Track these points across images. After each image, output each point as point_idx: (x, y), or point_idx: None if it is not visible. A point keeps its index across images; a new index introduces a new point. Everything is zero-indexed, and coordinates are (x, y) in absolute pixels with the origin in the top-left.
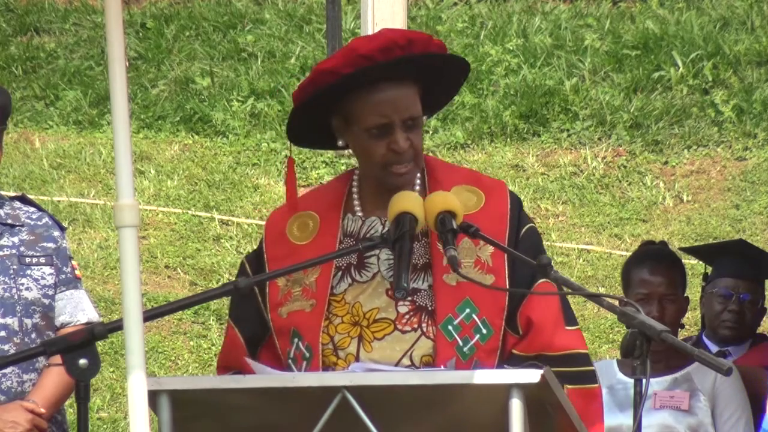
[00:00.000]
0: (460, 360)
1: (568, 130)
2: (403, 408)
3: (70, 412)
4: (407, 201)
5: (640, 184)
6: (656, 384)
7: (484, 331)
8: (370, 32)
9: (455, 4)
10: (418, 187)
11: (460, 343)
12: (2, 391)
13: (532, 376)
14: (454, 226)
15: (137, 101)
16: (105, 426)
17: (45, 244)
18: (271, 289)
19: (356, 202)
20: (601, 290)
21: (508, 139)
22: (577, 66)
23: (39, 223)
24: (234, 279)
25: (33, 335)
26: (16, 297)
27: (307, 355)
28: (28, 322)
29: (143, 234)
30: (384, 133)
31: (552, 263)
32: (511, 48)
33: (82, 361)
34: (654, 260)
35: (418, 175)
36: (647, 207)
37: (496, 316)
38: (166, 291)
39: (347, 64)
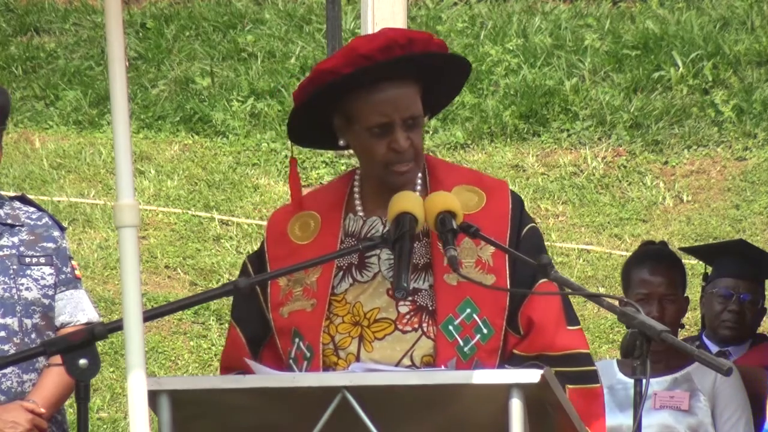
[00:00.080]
0: (461, 360)
1: (568, 130)
2: (403, 408)
3: (70, 412)
4: (407, 201)
5: (640, 184)
6: (656, 384)
7: (485, 331)
8: (370, 32)
9: (455, 4)
10: (419, 187)
11: (461, 343)
12: (2, 391)
13: (532, 376)
14: (454, 226)
15: (137, 101)
16: (105, 426)
17: (45, 244)
18: (273, 289)
19: (357, 202)
20: (601, 290)
21: (508, 139)
22: (577, 66)
23: (39, 223)
24: (234, 279)
25: (33, 335)
26: (16, 297)
27: (308, 354)
28: (28, 322)
29: (143, 234)
30: (385, 133)
31: (552, 263)
32: (511, 48)
33: (82, 361)
34: (654, 260)
35: (420, 174)
36: (647, 207)
37: (497, 316)
38: (166, 291)
39: (347, 63)
